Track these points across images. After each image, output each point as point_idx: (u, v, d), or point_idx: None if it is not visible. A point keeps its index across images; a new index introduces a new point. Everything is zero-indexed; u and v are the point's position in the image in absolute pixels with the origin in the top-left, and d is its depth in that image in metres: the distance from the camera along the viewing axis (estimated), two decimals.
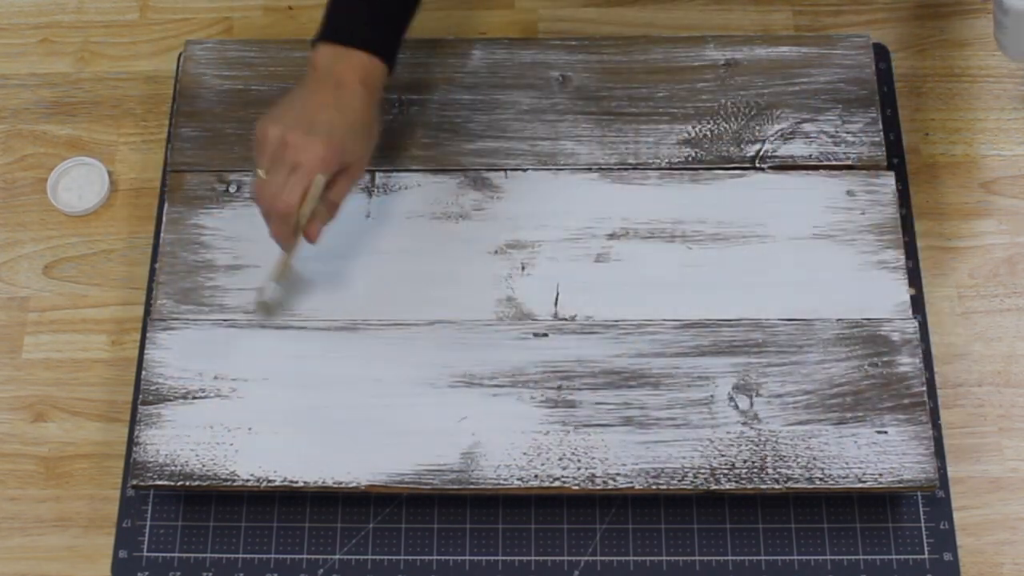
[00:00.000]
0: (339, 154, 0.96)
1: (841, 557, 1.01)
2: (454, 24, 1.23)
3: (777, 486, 0.99)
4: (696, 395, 1.01)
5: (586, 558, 1.02)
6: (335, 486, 0.99)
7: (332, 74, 0.98)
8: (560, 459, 1.00)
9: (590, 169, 1.10)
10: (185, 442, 1.00)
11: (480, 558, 1.02)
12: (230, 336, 1.04)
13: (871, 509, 1.02)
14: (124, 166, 1.18)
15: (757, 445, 1.00)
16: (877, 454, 0.99)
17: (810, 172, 1.10)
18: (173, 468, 1.00)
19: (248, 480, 0.99)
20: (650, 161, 1.10)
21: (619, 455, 1.00)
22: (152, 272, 1.10)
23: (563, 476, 0.99)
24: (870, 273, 1.06)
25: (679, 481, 0.99)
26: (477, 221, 1.08)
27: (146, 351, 1.04)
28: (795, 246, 1.07)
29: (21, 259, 1.15)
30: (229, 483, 0.99)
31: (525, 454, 1.00)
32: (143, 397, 1.02)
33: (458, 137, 1.11)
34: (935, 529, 1.02)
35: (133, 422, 1.06)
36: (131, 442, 1.05)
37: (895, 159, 1.14)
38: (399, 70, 1.13)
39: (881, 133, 1.11)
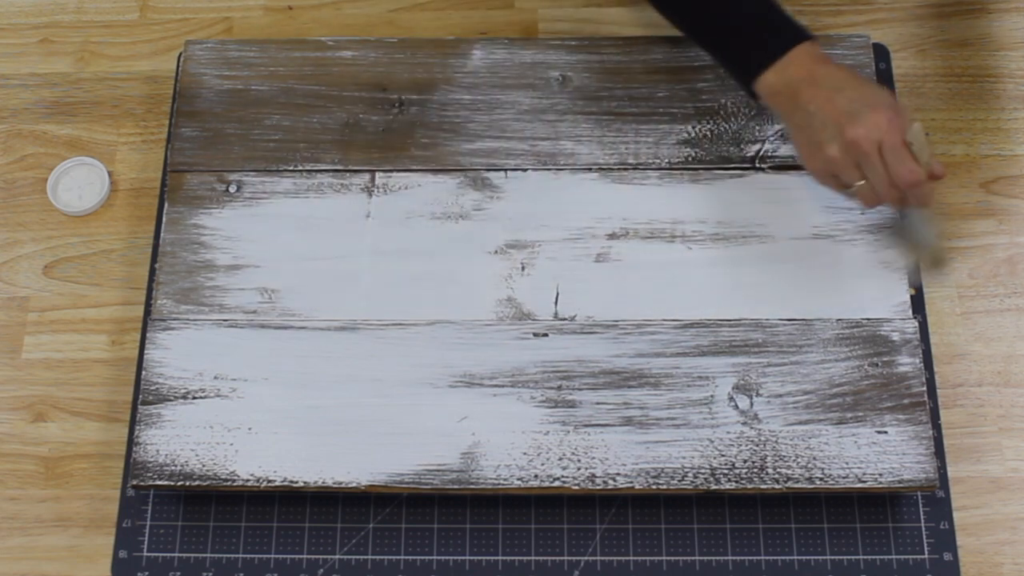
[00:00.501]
0: (886, 100, 0.97)
1: (841, 557, 1.01)
2: (454, 24, 1.23)
3: (777, 486, 0.99)
4: (696, 395, 1.01)
5: (586, 558, 1.02)
6: (335, 486, 0.99)
7: (803, 77, 0.98)
8: (560, 459, 1.00)
9: (590, 169, 1.10)
10: (185, 442, 1.01)
11: (480, 558, 1.02)
12: (230, 336, 1.04)
13: (871, 509, 1.02)
14: (124, 166, 1.18)
15: (757, 445, 1.00)
16: (877, 454, 0.99)
17: None
18: (173, 468, 1.00)
19: (248, 480, 0.99)
20: (650, 161, 1.10)
21: (619, 455, 0.99)
22: (152, 272, 1.10)
23: (563, 476, 0.99)
24: (870, 273, 1.06)
25: (679, 481, 0.99)
26: (477, 221, 1.08)
27: (146, 351, 1.04)
28: (795, 246, 1.07)
29: (21, 259, 1.15)
30: (229, 483, 0.99)
31: (525, 454, 1.00)
32: (143, 397, 1.02)
33: (458, 137, 1.11)
34: (935, 529, 1.02)
35: (133, 422, 1.06)
36: (131, 442, 1.05)
37: None
38: (399, 69, 1.13)
39: None
